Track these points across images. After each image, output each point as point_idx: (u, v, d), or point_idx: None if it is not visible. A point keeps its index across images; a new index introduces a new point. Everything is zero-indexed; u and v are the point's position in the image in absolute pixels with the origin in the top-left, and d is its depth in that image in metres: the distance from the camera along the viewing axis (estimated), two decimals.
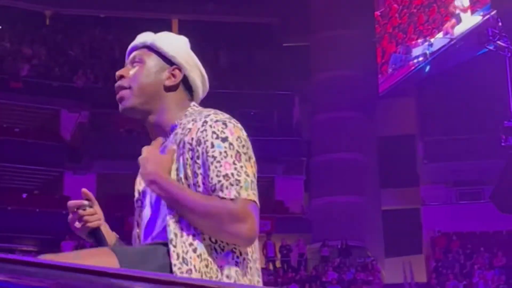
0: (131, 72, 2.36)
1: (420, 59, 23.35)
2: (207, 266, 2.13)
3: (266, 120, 27.62)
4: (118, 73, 2.38)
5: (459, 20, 21.48)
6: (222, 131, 2.18)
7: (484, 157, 24.82)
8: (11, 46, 28.31)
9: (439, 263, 24.43)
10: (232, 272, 2.15)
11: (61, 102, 26.44)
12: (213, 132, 2.18)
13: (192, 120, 2.25)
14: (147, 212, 2.32)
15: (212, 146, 2.16)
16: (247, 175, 2.16)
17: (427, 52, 22.89)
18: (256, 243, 2.27)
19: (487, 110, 23.59)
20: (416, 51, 23.58)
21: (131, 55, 2.40)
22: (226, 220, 2.11)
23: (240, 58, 29.94)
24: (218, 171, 2.14)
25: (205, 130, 2.18)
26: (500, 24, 19.73)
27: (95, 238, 2.29)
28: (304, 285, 23.18)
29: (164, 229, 2.20)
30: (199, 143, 2.18)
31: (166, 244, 2.17)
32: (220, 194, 2.12)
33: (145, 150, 2.26)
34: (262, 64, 29.68)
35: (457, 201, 27.39)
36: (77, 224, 2.31)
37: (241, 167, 2.16)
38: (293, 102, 29.03)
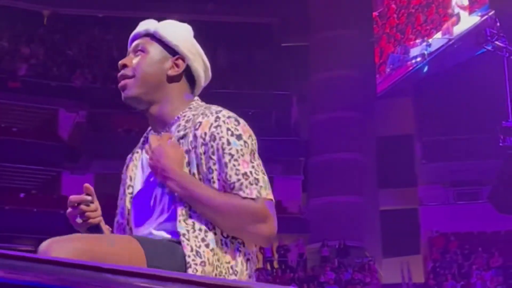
0: (134, 61, 2.33)
1: (418, 59, 23.36)
2: (218, 260, 2.13)
3: (264, 120, 27.61)
4: (121, 62, 2.35)
5: (459, 19, 21.50)
6: (236, 128, 2.18)
7: (482, 157, 24.83)
8: (9, 46, 28.30)
9: (437, 263, 24.44)
10: (238, 268, 2.17)
11: (59, 102, 26.43)
12: (228, 129, 2.17)
13: (202, 114, 2.23)
14: (139, 200, 2.29)
15: (229, 143, 2.16)
16: (264, 174, 2.19)
17: (425, 52, 22.90)
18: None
19: (485, 110, 23.59)
20: (414, 51, 23.59)
21: (134, 43, 2.36)
22: (249, 220, 2.13)
23: (239, 58, 29.94)
24: (237, 169, 2.14)
25: (219, 126, 2.18)
26: (498, 24, 19.72)
27: (94, 233, 2.27)
28: (302, 285, 23.19)
29: (168, 221, 2.19)
30: (213, 138, 2.17)
31: (177, 242, 2.17)
32: (242, 193, 2.13)
33: (154, 140, 2.22)
34: (261, 64, 29.69)
35: (455, 202, 27.41)
36: (79, 220, 2.28)
37: (258, 165, 2.19)
38: (291, 102, 29.05)
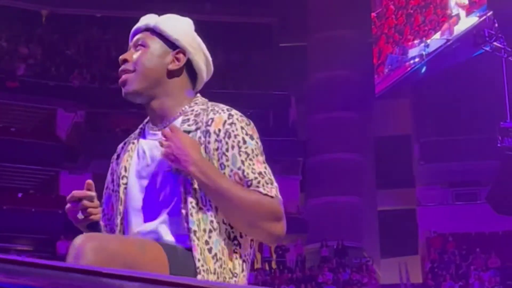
0: (135, 56, 2.31)
1: (417, 60, 23.37)
2: (221, 266, 2.13)
3: (262, 120, 27.58)
4: (121, 57, 2.33)
5: (457, 19, 21.50)
6: (248, 128, 2.22)
7: (480, 158, 24.84)
8: (8, 45, 28.30)
9: (435, 264, 24.45)
10: (237, 270, 2.17)
11: (58, 101, 26.43)
12: (242, 128, 2.20)
13: (211, 111, 2.24)
14: (135, 191, 2.27)
15: (244, 142, 2.18)
16: (272, 175, 2.23)
17: (424, 53, 22.91)
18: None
19: (483, 111, 23.60)
20: (413, 52, 23.59)
21: (134, 38, 2.35)
22: (266, 217, 2.14)
23: (237, 58, 29.94)
24: (253, 168, 2.17)
25: (234, 123, 2.19)
26: (496, 25, 19.74)
27: (94, 231, 2.25)
28: (300, 285, 23.19)
29: (171, 216, 2.18)
30: (228, 136, 2.18)
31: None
32: (262, 190, 2.15)
33: (171, 131, 2.18)
34: (259, 64, 29.69)
35: (453, 202, 27.42)
36: (80, 216, 2.25)
37: (268, 166, 2.23)
38: (289, 102, 29.06)
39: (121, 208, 2.29)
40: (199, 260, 2.11)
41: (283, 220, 2.19)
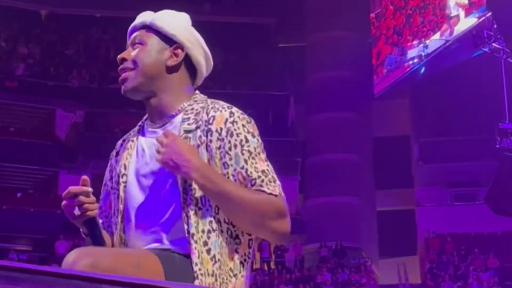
0: (132, 54, 2.30)
1: (415, 60, 23.37)
2: (220, 267, 2.12)
3: (261, 120, 27.53)
4: (119, 56, 2.32)
5: (456, 21, 21.50)
6: (249, 126, 2.21)
7: (479, 158, 24.85)
8: (7, 45, 28.29)
9: (434, 264, 24.45)
10: (236, 271, 2.16)
11: (56, 101, 26.43)
12: (243, 126, 2.19)
13: (212, 108, 2.22)
14: (135, 190, 2.26)
15: (247, 140, 2.18)
16: (274, 173, 2.22)
17: (422, 53, 22.91)
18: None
19: (482, 112, 23.61)
20: (411, 53, 23.59)
21: (132, 37, 2.34)
22: (272, 216, 2.14)
23: (236, 59, 29.93)
24: (255, 167, 2.16)
25: (235, 122, 2.19)
26: (495, 26, 19.74)
27: (90, 227, 2.23)
28: (298, 286, 23.18)
29: (172, 218, 2.17)
30: (230, 134, 2.17)
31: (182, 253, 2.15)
32: (266, 189, 2.14)
33: (167, 136, 2.16)
34: (257, 65, 29.68)
35: (451, 203, 27.42)
36: (77, 212, 2.21)
37: (270, 164, 2.22)
38: (288, 102, 29.04)
39: (121, 206, 2.29)
40: (196, 264, 2.09)
41: (288, 218, 2.19)
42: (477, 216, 24.64)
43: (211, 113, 2.20)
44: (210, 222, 2.14)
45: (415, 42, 23.43)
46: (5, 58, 27.12)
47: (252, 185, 2.14)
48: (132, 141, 2.34)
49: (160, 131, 2.26)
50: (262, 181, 2.15)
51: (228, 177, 2.16)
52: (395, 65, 24.49)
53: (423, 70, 23.42)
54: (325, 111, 27.17)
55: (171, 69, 2.29)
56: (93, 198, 2.22)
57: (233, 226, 2.18)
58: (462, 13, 21.47)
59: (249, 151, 2.17)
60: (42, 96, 25.98)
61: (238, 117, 2.19)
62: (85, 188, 2.21)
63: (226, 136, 2.16)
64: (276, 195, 2.15)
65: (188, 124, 2.22)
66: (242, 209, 2.12)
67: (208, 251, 2.12)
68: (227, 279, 2.13)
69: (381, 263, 26.92)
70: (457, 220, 25.63)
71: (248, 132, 2.18)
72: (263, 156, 2.20)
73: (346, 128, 26.99)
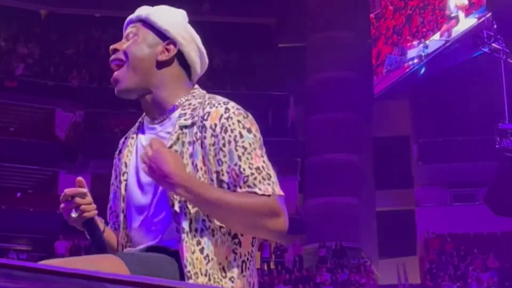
0: (124, 45, 2.29)
1: (415, 61, 23.37)
2: (213, 267, 2.08)
3: (261, 120, 27.37)
4: (112, 46, 2.32)
5: (456, 21, 21.51)
6: (245, 121, 2.15)
7: (478, 159, 24.84)
8: (6, 45, 28.29)
9: (433, 264, 24.45)
10: (234, 274, 2.11)
11: (56, 101, 26.43)
12: (239, 121, 2.14)
13: (208, 104, 2.18)
14: (134, 188, 2.25)
15: (241, 136, 2.12)
16: (273, 169, 2.16)
17: (422, 54, 22.91)
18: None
19: (481, 112, 23.61)
20: (411, 53, 23.59)
21: (127, 30, 2.33)
22: (265, 217, 2.08)
23: (236, 59, 29.94)
24: (250, 163, 2.11)
25: (230, 117, 2.13)
26: (495, 26, 19.74)
27: (90, 228, 2.22)
28: (298, 286, 23.18)
29: (168, 217, 2.15)
30: (225, 130, 2.12)
31: (168, 248, 2.13)
32: (258, 191, 2.09)
33: (151, 146, 2.12)
34: (257, 65, 29.69)
35: (451, 203, 27.42)
36: (74, 214, 2.19)
37: (267, 160, 2.16)
38: (288, 102, 29.04)
39: (123, 204, 2.28)
40: (189, 264, 2.06)
41: (283, 216, 2.13)
42: (477, 216, 24.64)
43: (207, 109, 2.16)
44: (203, 221, 2.11)
45: (415, 42, 23.43)
46: (4, 58, 27.13)
47: (245, 182, 2.09)
48: (133, 138, 2.33)
49: (158, 127, 2.24)
50: (255, 178, 2.10)
51: (223, 174, 2.11)
52: (395, 65, 24.49)
53: (423, 70, 23.43)
54: (325, 111, 27.17)
55: (162, 64, 2.25)
56: (89, 199, 2.21)
57: None
58: (461, 14, 21.48)
59: (243, 147, 2.11)
60: (42, 96, 25.98)
61: (234, 112, 2.14)
62: (80, 189, 2.19)
63: (220, 132, 2.12)
64: (269, 195, 2.10)
65: (185, 119, 2.19)
66: (233, 215, 2.08)
67: (201, 250, 2.08)
68: (218, 278, 2.09)
69: (381, 263, 26.92)
70: (457, 221, 25.63)
71: (244, 128, 2.13)
72: (260, 152, 2.14)
73: (346, 128, 26.99)
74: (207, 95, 2.24)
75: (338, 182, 26.43)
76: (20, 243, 24.85)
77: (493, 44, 19.72)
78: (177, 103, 2.24)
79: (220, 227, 2.13)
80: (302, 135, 28.27)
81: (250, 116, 2.18)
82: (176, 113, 2.23)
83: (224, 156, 2.11)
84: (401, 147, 27.87)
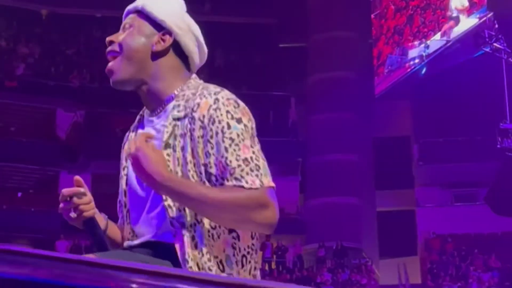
0: (120, 37, 2.27)
1: (416, 61, 23.37)
2: (210, 260, 2.06)
3: (262, 120, 27.59)
4: (108, 38, 2.30)
5: (457, 22, 21.52)
6: (235, 111, 2.09)
7: (479, 159, 24.85)
8: (7, 45, 28.29)
9: (434, 264, 24.45)
10: (233, 271, 2.09)
11: (57, 101, 26.43)
12: (227, 112, 2.08)
13: (199, 95, 2.13)
14: (134, 182, 2.23)
15: (229, 127, 2.07)
16: (264, 159, 2.11)
17: (423, 54, 22.91)
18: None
19: (483, 112, 23.62)
20: (412, 53, 23.60)
21: (124, 21, 2.31)
22: (254, 210, 2.03)
23: (237, 59, 29.94)
24: (237, 154, 2.05)
25: (219, 108, 2.08)
26: (496, 26, 19.75)
27: (90, 227, 2.21)
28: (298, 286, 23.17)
29: (161, 214, 2.13)
30: (212, 121, 2.07)
31: (158, 244, 2.11)
32: (245, 184, 2.04)
33: (136, 141, 2.10)
34: (258, 65, 29.70)
35: (452, 203, 27.43)
36: (73, 214, 2.18)
37: (258, 151, 2.10)
38: (289, 102, 29.05)
39: (124, 199, 2.27)
40: (185, 259, 2.05)
41: (272, 207, 2.06)
42: (478, 216, 24.64)
43: (197, 100, 2.12)
44: (196, 214, 2.09)
45: (416, 42, 23.43)
46: (5, 58, 27.13)
47: (231, 174, 2.04)
48: (133, 131, 2.32)
49: (155, 120, 2.22)
50: (242, 170, 2.04)
51: (211, 167, 2.07)
52: (396, 65, 24.50)
53: (424, 70, 23.43)
54: (326, 112, 27.17)
55: (157, 55, 2.22)
56: (87, 198, 2.20)
57: None
58: (460, 15, 21.48)
59: (231, 138, 2.05)
60: (43, 96, 25.98)
61: (223, 103, 2.09)
62: (77, 189, 2.19)
63: (208, 124, 2.08)
64: (256, 188, 2.05)
65: (178, 111, 2.16)
66: (219, 211, 2.03)
67: (196, 244, 2.06)
68: (215, 272, 2.06)
69: (381, 263, 26.91)
70: (458, 221, 25.63)
71: (232, 118, 2.07)
72: (249, 142, 2.08)
73: (347, 128, 26.99)
74: (201, 85, 2.20)
75: (339, 182, 26.44)
76: (21, 242, 24.84)
77: (495, 44, 19.73)
78: (174, 93, 2.21)
79: None
80: (303, 135, 28.27)
81: (241, 105, 2.13)
82: (170, 105, 2.20)
83: (212, 148, 2.07)
84: (402, 147, 27.87)
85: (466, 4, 21.33)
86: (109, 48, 2.29)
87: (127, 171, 2.27)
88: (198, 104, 2.11)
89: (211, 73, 26.75)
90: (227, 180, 2.06)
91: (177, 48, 2.25)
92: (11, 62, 26.96)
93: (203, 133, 2.09)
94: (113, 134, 26.02)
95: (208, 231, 2.08)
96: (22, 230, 24.04)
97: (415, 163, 27.77)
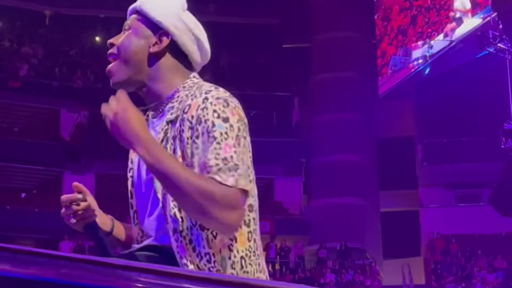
0: (120, 39, 2.26)
1: (420, 61, 23.36)
2: (209, 261, 2.05)
3: (265, 121, 27.62)
4: (108, 41, 2.29)
5: (459, 23, 21.49)
6: (223, 111, 2.04)
7: (483, 159, 24.83)
8: (11, 46, 28.33)
9: (438, 265, 24.44)
10: (235, 266, 2.07)
11: (61, 102, 26.46)
12: (214, 111, 2.04)
13: (191, 95, 2.11)
14: (138, 186, 2.23)
15: (213, 125, 2.02)
16: (247, 162, 2.04)
17: (427, 54, 22.89)
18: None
19: (487, 112, 23.60)
20: (416, 53, 23.59)
21: (125, 23, 2.30)
22: (220, 206, 1.96)
23: (240, 59, 29.95)
24: (217, 153, 2.00)
25: (206, 108, 2.05)
26: (500, 26, 19.73)
27: (90, 232, 2.21)
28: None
29: (160, 217, 2.12)
30: (199, 122, 2.04)
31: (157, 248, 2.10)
32: (218, 178, 1.98)
33: (118, 99, 2.05)
34: (262, 65, 29.70)
35: (456, 204, 27.41)
36: (72, 220, 2.19)
37: (241, 152, 2.03)
38: (292, 103, 29.05)
39: (132, 201, 2.25)
40: (182, 263, 2.04)
41: (238, 211, 2.00)
42: (482, 217, 24.63)
43: (188, 101, 2.10)
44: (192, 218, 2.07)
45: (419, 43, 23.42)
46: (9, 58, 27.15)
47: (208, 173, 2.00)
48: None
49: (156, 121, 2.21)
50: (219, 169, 1.98)
51: (194, 167, 2.03)
52: (399, 65, 24.49)
53: (427, 70, 23.41)
54: (329, 112, 27.17)
55: (155, 56, 2.21)
56: (87, 203, 2.18)
57: None
58: (463, 17, 21.46)
59: (214, 137, 2.01)
60: (46, 97, 26.02)
61: (211, 102, 2.05)
62: (74, 196, 2.17)
63: (196, 124, 2.05)
64: (229, 186, 1.97)
65: (171, 113, 2.14)
66: (187, 194, 1.97)
67: (194, 248, 2.05)
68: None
69: (385, 264, 26.90)
70: (462, 221, 25.62)
71: (218, 117, 2.03)
72: (232, 142, 2.02)
73: (350, 128, 26.97)
74: (196, 85, 2.17)
75: (342, 182, 26.43)
76: (25, 243, 24.85)
77: (499, 44, 19.71)
78: (171, 94, 2.19)
79: None
80: (307, 135, 28.26)
81: (232, 104, 2.08)
82: (167, 106, 2.18)
83: (197, 148, 2.04)
84: (405, 147, 27.85)
85: (468, 6, 21.31)
86: (109, 51, 2.27)
87: (132, 173, 2.26)
88: (189, 106, 2.09)
89: (215, 73, 26.75)
90: None
91: (176, 49, 2.23)
92: (14, 63, 26.98)
93: (191, 134, 2.06)
94: None
95: (205, 233, 2.07)
96: (25, 230, 24.06)
97: (419, 163, 27.75)
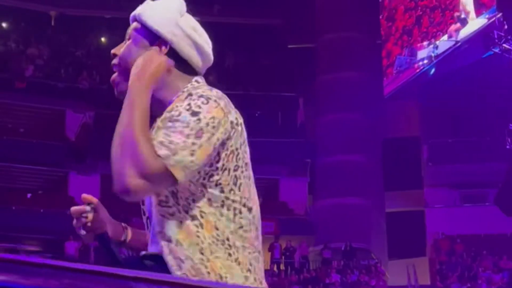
0: (121, 49, 2.26)
1: (425, 61, 23.31)
2: (202, 263, 2.04)
3: (271, 121, 27.62)
4: (112, 51, 2.29)
5: (464, 23, 21.45)
6: (198, 105, 2.01)
7: (488, 159, 24.79)
8: (16, 47, 28.38)
9: (443, 265, 24.41)
10: (200, 252, 2.04)
11: (66, 103, 26.49)
12: (189, 104, 2.01)
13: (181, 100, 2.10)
14: None
15: (179, 115, 2.00)
16: (192, 155, 1.97)
17: (432, 54, 22.85)
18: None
19: (492, 113, 23.55)
20: (421, 54, 23.54)
21: (127, 31, 2.30)
22: (134, 167, 1.93)
23: (245, 60, 29.95)
24: (168, 134, 1.97)
25: (183, 101, 2.04)
26: (506, 27, 19.69)
27: (101, 243, 2.21)
28: (306, 287, 23.16)
29: (153, 225, 2.12)
30: (170, 110, 2.03)
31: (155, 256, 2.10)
32: (155, 147, 1.96)
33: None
34: (266, 66, 29.69)
35: (461, 204, 27.37)
36: (82, 232, 2.18)
37: (193, 144, 1.97)
38: (297, 103, 29.04)
39: (143, 208, 2.25)
40: (172, 270, 2.03)
41: (146, 183, 1.94)
42: (487, 217, 24.59)
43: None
44: (180, 223, 2.06)
45: (425, 43, 23.37)
46: (15, 59, 27.20)
47: None
48: None
49: None
50: (161, 143, 1.96)
51: None
52: (405, 66, 24.44)
53: (433, 71, 23.37)
54: (334, 112, 27.15)
55: None
56: (92, 216, 2.16)
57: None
58: (472, 15, 21.41)
59: (173, 122, 1.99)
60: (52, 97, 26.05)
61: (191, 98, 2.03)
62: (82, 208, 2.17)
63: (166, 112, 2.04)
64: (158, 156, 1.93)
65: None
66: (122, 136, 1.99)
67: (169, 242, 2.06)
68: (192, 264, 2.03)
69: (390, 264, 26.87)
70: (467, 222, 25.58)
71: (188, 110, 2.00)
72: (189, 131, 1.97)
73: (356, 129, 26.95)
74: (195, 88, 2.14)
75: (347, 183, 26.40)
76: (30, 243, 24.90)
77: (504, 45, 19.67)
78: (172, 99, 2.17)
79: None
80: (312, 136, 28.25)
81: (214, 103, 2.03)
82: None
83: (156, 133, 2.02)
84: (411, 148, 27.81)
85: (471, 8, 21.26)
86: (113, 61, 2.28)
87: None
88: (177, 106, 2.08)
89: (220, 74, 26.78)
90: None
91: (176, 55, 2.21)
92: (20, 64, 27.02)
93: (160, 124, 2.04)
94: None
95: (177, 227, 2.06)
96: (31, 231, 24.08)
97: (424, 163, 27.71)
